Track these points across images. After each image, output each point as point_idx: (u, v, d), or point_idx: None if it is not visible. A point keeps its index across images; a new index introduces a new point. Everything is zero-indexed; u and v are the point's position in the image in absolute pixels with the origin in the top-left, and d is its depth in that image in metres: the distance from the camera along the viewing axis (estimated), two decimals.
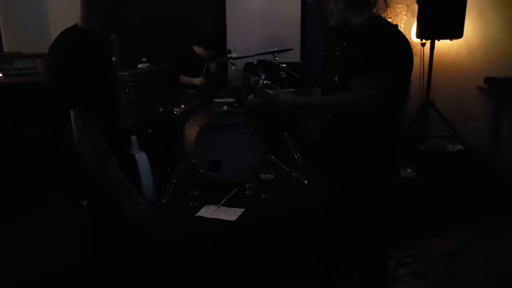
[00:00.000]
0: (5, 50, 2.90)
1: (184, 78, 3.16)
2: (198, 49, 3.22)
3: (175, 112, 2.75)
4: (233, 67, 2.96)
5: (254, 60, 3.47)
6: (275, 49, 3.02)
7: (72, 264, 1.63)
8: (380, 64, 1.13)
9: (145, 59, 3.12)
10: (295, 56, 3.74)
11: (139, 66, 3.03)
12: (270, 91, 1.36)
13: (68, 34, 1.12)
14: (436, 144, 2.94)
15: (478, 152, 2.96)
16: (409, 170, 2.76)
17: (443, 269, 2.11)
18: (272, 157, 2.75)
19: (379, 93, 1.11)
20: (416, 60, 3.42)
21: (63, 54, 1.08)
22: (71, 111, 1.05)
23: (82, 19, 1.14)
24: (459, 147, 2.88)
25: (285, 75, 2.99)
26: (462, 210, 2.68)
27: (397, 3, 3.66)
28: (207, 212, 2.10)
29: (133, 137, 1.39)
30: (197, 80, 3.09)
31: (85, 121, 1.05)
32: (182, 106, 2.79)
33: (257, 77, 1.55)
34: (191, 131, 2.59)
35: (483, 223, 2.58)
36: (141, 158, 1.46)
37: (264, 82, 1.45)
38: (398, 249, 2.30)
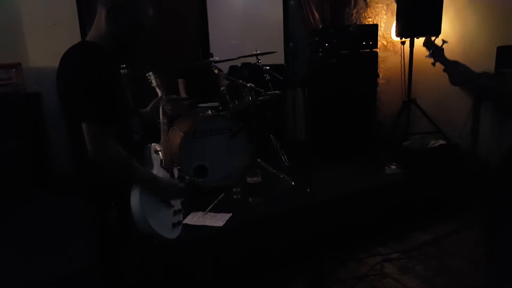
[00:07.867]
0: None
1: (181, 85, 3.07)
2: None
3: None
4: (216, 71, 2.96)
5: (238, 63, 3.47)
6: (258, 51, 3.03)
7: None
8: None
9: (124, 65, 3.07)
10: (279, 58, 3.75)
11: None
12: None
13: (77, 49, 1.15)
14: (419, 140, 2.99)
15: (460, 147, 3.03)
16: (393, 167, 2.81)
17: (428, 263, 2.15)
18: (259, 159, 2.75)
19: None
20: (397, 58, 3.48)
21: (75, 69, 1.10)
22: (84, 125, 1.07)
23: (95, 33, 1.18)
24: (441, 142, 2.94)
25: (269, 77, 3.00)
26: (444, 204, 2.74)
27: (376, 3, 3.71)
28: (194, 219, 2.09)
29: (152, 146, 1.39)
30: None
31: (101, 133, 1.08)
32: None
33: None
34: (175, 137, 2.57)
35: (466, 217, 2.64)
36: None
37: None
38: (383, 245, 2.33)
